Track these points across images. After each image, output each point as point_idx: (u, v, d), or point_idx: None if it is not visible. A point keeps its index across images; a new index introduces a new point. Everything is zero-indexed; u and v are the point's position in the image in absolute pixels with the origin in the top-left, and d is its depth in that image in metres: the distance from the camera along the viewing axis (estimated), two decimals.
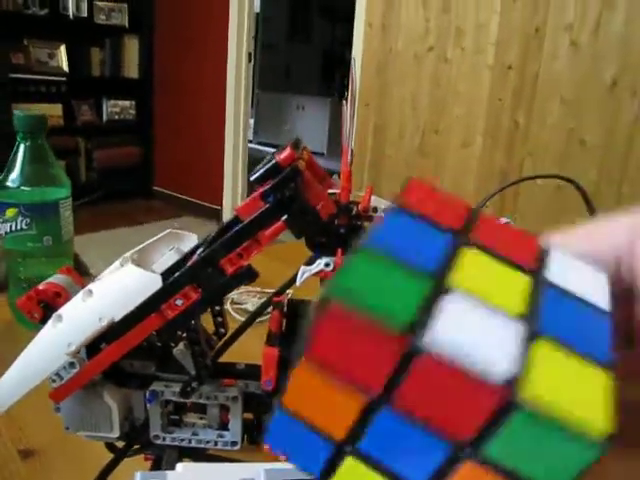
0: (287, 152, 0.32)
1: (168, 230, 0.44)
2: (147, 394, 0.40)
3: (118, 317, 0.36)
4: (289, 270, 0.46)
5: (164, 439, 0.42)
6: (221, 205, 3.75)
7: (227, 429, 0.41)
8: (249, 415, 0.43)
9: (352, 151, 0.52)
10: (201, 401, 0.40)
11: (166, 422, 0.42)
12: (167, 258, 0.42)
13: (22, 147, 0.70)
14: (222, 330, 0.45)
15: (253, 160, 3.92)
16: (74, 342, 0.37)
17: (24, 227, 0.70)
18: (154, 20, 4.06)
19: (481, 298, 0.14)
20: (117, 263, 0.40)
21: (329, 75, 6.45)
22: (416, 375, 0.13)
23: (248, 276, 0.34)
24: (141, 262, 0.40)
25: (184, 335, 0.40)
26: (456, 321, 0.13)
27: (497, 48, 2.19)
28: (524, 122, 2.13)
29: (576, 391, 0.13)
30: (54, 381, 0.38)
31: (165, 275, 0.36)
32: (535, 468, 0.13)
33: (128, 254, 0.41)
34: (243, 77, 3.58)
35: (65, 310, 0.38)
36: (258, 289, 0.80)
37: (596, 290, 0.16)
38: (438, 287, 0.14)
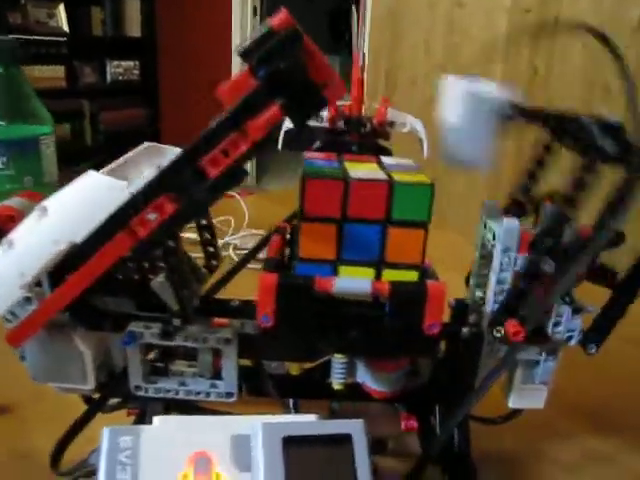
0: (282, 14, 0.25)
1: (146, 144, 0.37)
2: (124, 336, 0.34)
3: (79, 238, 0.29)
4: None
5: (146, 390, 0.35)
6: None
7: (221, 378, 0.35)
8: (247, 362, 0.36)
9: (364, 55, 0.45)
10: (188, 344, 0.34)
11: (148, 370, 0.35)
12: (148, 176, 0.35)
13: None
14: (214, 262, 0.38)
15: None
16: (28, 272, 0.30)
17: (1, 166, 0.63)
18: None
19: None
20: None
21: (337, 32, 6.26)
22: (352, 194, 0.30)
23: (235, 176, 0.26)
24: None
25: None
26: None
27: None
28: (544, 69, 2.01)
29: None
30: (9, 321, 0.32)
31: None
32: (413, 212, 0.30)
33: (101, 171, 0.34)
34: (249, 32, 3.46)
35: (17, 234, 0.31)
36: (263, 232, 0.73)
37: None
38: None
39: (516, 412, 0.39)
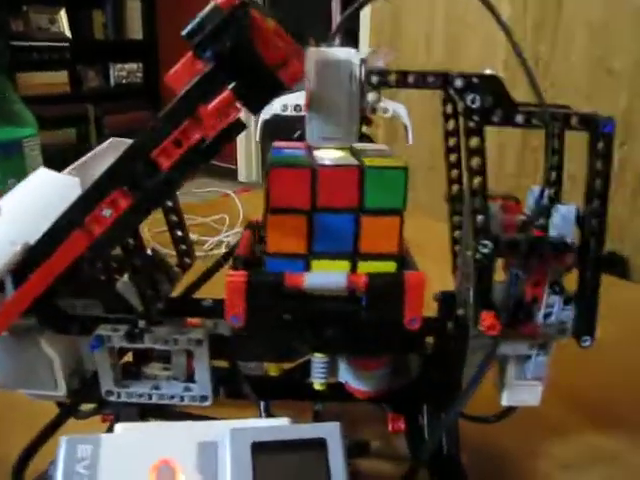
0: None
1: (111, 139, 0.36)
2: (91, 340, 0.32)
3: (34, 238, 0.28)
4: None
5: (118, 395, 0.34)
6: (236, 164, 3.65)
7: (195, 381, 0.33)
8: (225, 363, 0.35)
9: (343, 38, 0.43)
10: (158, 346, 0.32)
11: (120, 374, 0.34)
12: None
13: None
14: (187, 260, 0.36)
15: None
16: None
17: None
18: None
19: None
20: None
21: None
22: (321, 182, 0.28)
23: (191, 164, 0.25)
24: (84, 180, 0.31)
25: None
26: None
27: None
28: (547, 53, 1.98)
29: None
30: None
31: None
32: (387, 199, 0.29)
33: (66, 170, 0.32)
34: None
35: None
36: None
37: None
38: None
39: (510, 410, 0.37)
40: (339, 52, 0.28)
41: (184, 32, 0.23)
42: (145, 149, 0.25)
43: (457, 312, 0.34)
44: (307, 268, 0.30)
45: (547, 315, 0.32)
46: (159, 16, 3.98)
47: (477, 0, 0.31)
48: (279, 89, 0.24)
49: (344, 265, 0.30)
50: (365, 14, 2.59)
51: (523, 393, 0.35)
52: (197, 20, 0.23)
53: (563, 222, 0.30)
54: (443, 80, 0.28)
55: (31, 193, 0.28)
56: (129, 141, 0.35)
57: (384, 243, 0.29)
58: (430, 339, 0.35)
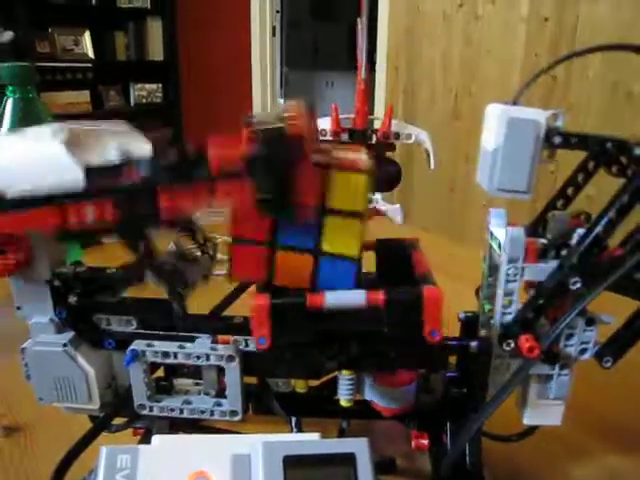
0: (300, 121, 0.25)
1: (121, 121, 0.35)
2: (126, 355, 0.33)
3: (11, 192, 0.28)
4: None
5: (150, 409, 0.35)
6: None
7: (225, 396, 0.34)
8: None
9: (367, 66, 0.44)
10: (190, 362, 0.33)
11: (153, 389, 0.35)
12: (106, 153, 0.33)
13: (11, 102, 0.64)
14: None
15: None
16: None
17: None
18: (176, 1, 3.98)
19: None
20: None
21: (356, 48, 6.27)
22: None
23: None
24: (73, 141, 0.31)
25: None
26: None
27: None
28: (563, 77, 1.98)
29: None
30: None
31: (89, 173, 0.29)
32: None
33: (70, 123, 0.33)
34: (268, 51, 3.50)
35: None
36: None
37: None
38: None
39: (532, 429, 0.38)
40: (529, 112, 0.29)
41: (249, 120, 0.25)
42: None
43: (480, 333, 0.35)
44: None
45: (569, 336, 0.33)
46: (180, 38, 4.05)
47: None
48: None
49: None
50: (382, 36, 2.62)
51: (545, 412, 0.36)
52: (263, 128, 0.25)
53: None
54: (618, 147, 0.30)
55: (31, 152, 0.29)
56: (135, 132, 0.35)
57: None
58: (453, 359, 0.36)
